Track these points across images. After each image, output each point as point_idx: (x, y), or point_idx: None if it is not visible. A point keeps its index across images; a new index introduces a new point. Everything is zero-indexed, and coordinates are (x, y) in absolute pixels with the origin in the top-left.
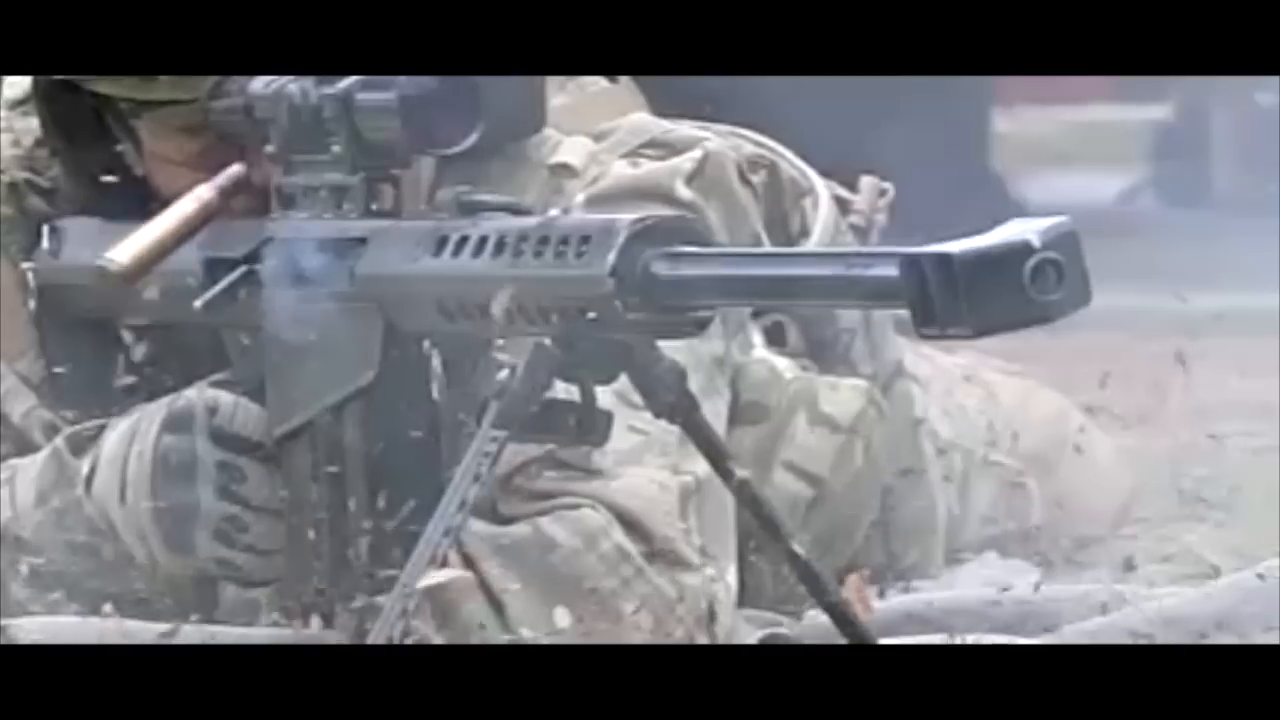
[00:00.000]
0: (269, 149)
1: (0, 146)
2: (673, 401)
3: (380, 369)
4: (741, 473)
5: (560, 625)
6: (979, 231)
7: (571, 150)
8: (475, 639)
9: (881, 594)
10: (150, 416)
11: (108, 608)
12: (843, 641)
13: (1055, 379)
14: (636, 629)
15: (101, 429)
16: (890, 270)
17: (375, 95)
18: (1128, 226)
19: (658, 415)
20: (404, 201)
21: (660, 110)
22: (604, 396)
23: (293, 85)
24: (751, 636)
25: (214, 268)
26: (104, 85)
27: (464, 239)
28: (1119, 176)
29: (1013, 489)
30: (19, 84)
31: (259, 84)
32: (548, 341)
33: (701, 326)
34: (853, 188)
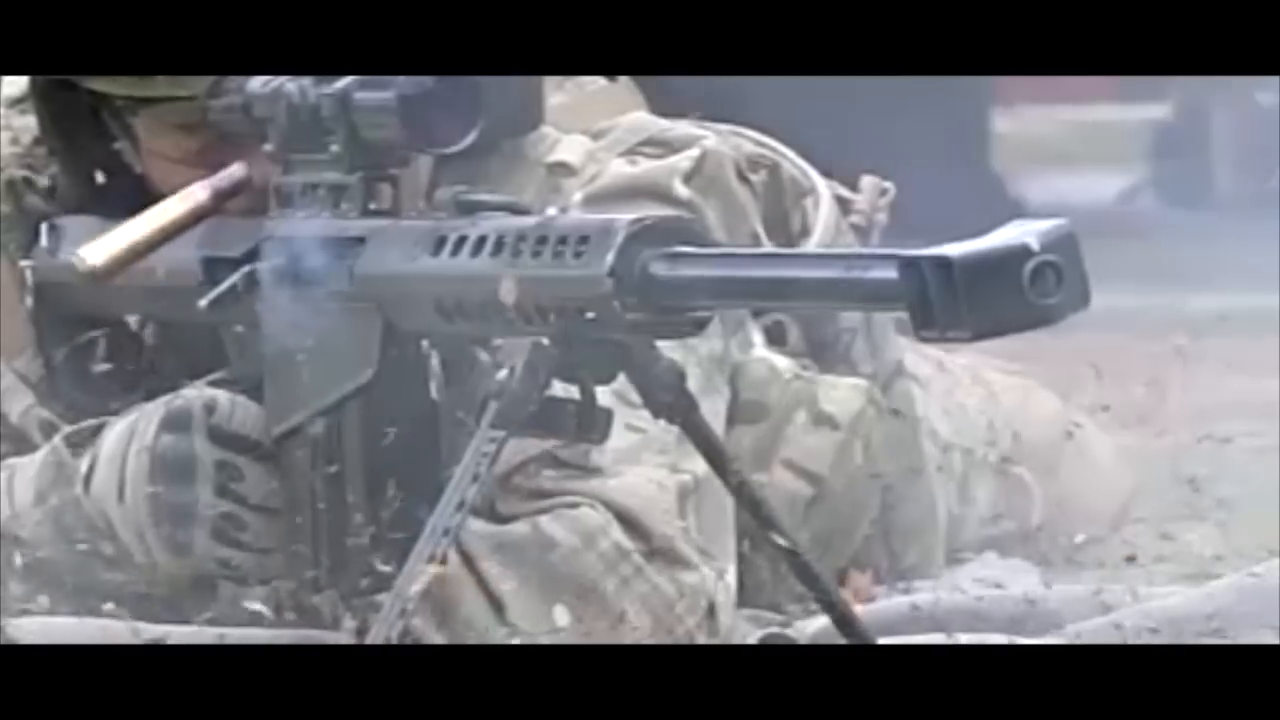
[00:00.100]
0: (267, 148)
1: None
2: (671, 401)
3: (379, 368)
4: (740, 473)
5: (559, 624)
6: (979, 232)
7: (569, 149)
8: (474, 637)
9: (877, 593)
10: (148, 415)
11: (108, 607)
12: (842, 641)
13: (1055, 379)
14: (635, 627)
15: (99, 428)
16: (889, 272)
17: (373, 95)
18: (1128, 226)
19: (656, 415)
20: (402, 200)
21: (659, 110)
22: (602, 395)
23: (291, 84)
24: (751, 636)
25: (212, 267)
26: (101, 83)
27: (462, 239)
28: (1119, 176)
29: (1013, 489)
30: (17, 82)
31: (257, 83)
32: (546, 341)
33: (700, 327)
34: (854, 187)
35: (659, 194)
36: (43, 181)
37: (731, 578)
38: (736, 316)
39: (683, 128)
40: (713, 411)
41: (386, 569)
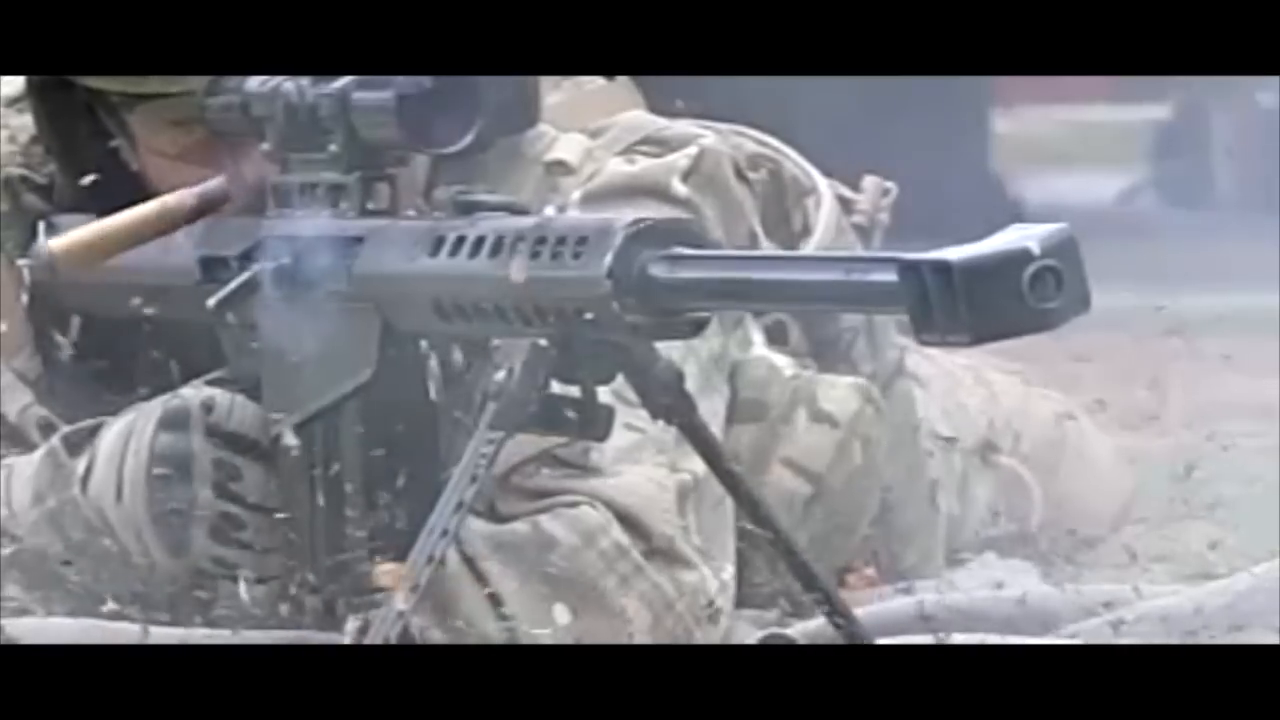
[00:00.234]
0: (265, 147)
1: None
2: (670, 403)
3: (377, 368)
4: (738, 473)
5: (559, 622)
6: (978, 231)
7: (567, 147)
8: (475, 636)
9: (884, 591)
10: (146, 415)
11: (107, 607)
12: (840, 641)
13: (1055, 379)
14: (635, 626)
15: (97, 428)
16: (889, 276)
17: (372, 94)
18: (1128, 226)
19: (655, 416)
20: (400, 199)
21: (659, 109)
22: (601, 394)
23: (289, 84)
24: (751, 636)
25: (210, 266)
26: (95, 79)
27: (461, 239)
28: (1119, 176)
29: (1013, 489)
30: (14, 81)
31: (255, 82)
32: (544, 342)
33: (699, 328)
34: (855, 187)
35: (657, 193)
36: (40, 180)
37: (729, 576)
38: (735, 316)
39: (680, 126)
40: (712, 411)
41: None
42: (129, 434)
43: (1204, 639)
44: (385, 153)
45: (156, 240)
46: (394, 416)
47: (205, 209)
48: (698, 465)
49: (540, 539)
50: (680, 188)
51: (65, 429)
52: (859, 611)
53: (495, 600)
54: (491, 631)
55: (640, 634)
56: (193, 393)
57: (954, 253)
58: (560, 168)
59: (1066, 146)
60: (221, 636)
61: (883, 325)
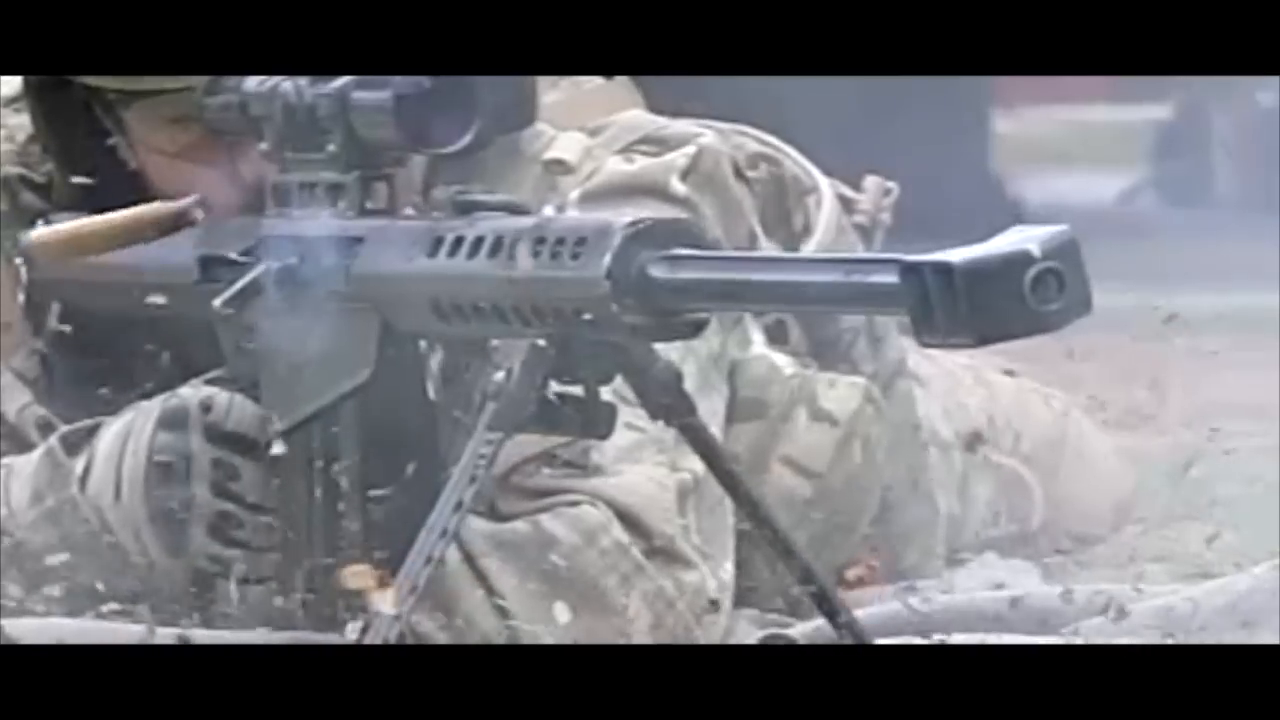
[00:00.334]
0: (263, 146)
1: None
2: (669, 403)
3: (376, 368)
4: (737, 474)
5: (560, 621)
6: (978, 231)
7: (566, 146)
8: (475, 635)
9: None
10: (145, 414)
11: (107, 607)
12: (839, 641)
13: (1055, 379)
14: (635, 625)
15: (95, 428)
16: (891, 277)
17: (370, 94)
18: (1128, 226)
19: (654, 417)
20: (398, 198)
21: (659, 108)
22: (603, 393)
23: (287, 84)
24: (752, 636)
25: (209, 265)
26: (92, 77)
27: (459, 239)
28: (1119, 176)
29: (1013, 489)
30: (11, 81)
31: (253, 82)
32: (543, 343)
33: (698, 329)
34: (856, 187)
35: (656, 192)
36: (38, 179)
37: (728, 575)
38: (734, 315)
39: (679, 125)
40: (711, 410)
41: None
42: (127, 433)
43: (1204, 639)
44: (384, 152)
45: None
46: (392, 416)
47: (180, 224)
48: (698, 464)
49: (541, 538)
50: (679, 187)
51: (63, 429)
52: (859, 613)
53: (496, 599)
54: (492, 630)
55: (641, 633)
56: (191, 392)
57: (956, 254)
58: (559, 166)
59: (1066, 146)
60: (221, 636)
61: (883, 325)
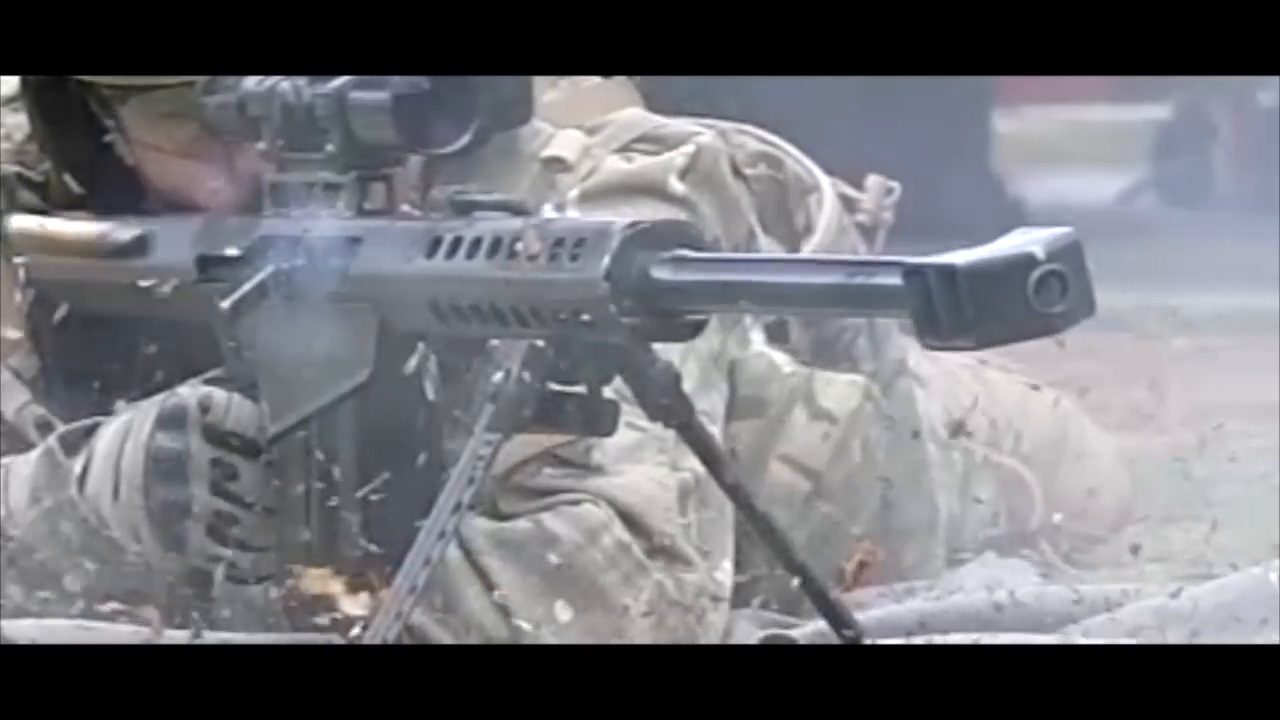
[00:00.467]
0: (261, 146)
1: None
2: (667, 404)
3: (375, 368)
4: (736, 475)
5: (561, 620)
6: (978, 231)
7: (564, 144)
8: (476, 634)
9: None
10: (143, 414)
11: (108, 607)
12: (837, 640)
13: (1055, 379)
14: (636, 624)
15: (94, 428)
16: (894, 279)
17: (369, 95)
18: (1128, 226)
19: (653, 418)
20: (396, 197)
21: (659, 108)
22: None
23: (285, 84)
24: (752, 636)
25: (208, 265)
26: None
27: (458, 240)
28: (1119, 176)
29: (1013, 489)
30: (9, 80)
31: (252, 81)
32: (542, 344)
33: (697, 330)
34: (859, 186)
35: (654, 191)
36: (36, 178)
37: (726, 575)
38: (734, 315)
39: (677, 124)
40: (711, 409)
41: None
42: (126, 433)
43: (1203, 638)
44: (382, 153)
45: (155, 239)
46: (391, 416)
47: (133, 251)
48: (699, 464)
49: (543, 536)
50: (678, 186)
51: (62, 428)
52: (860, 615)
53: (497, 597)
54: (493, 629)
55: (642, 632)
56: (190, 392)
57: (959, 257)
58: (557, 164)
59: (1066, 146)
60: (222, 636)
61: (885, 324)
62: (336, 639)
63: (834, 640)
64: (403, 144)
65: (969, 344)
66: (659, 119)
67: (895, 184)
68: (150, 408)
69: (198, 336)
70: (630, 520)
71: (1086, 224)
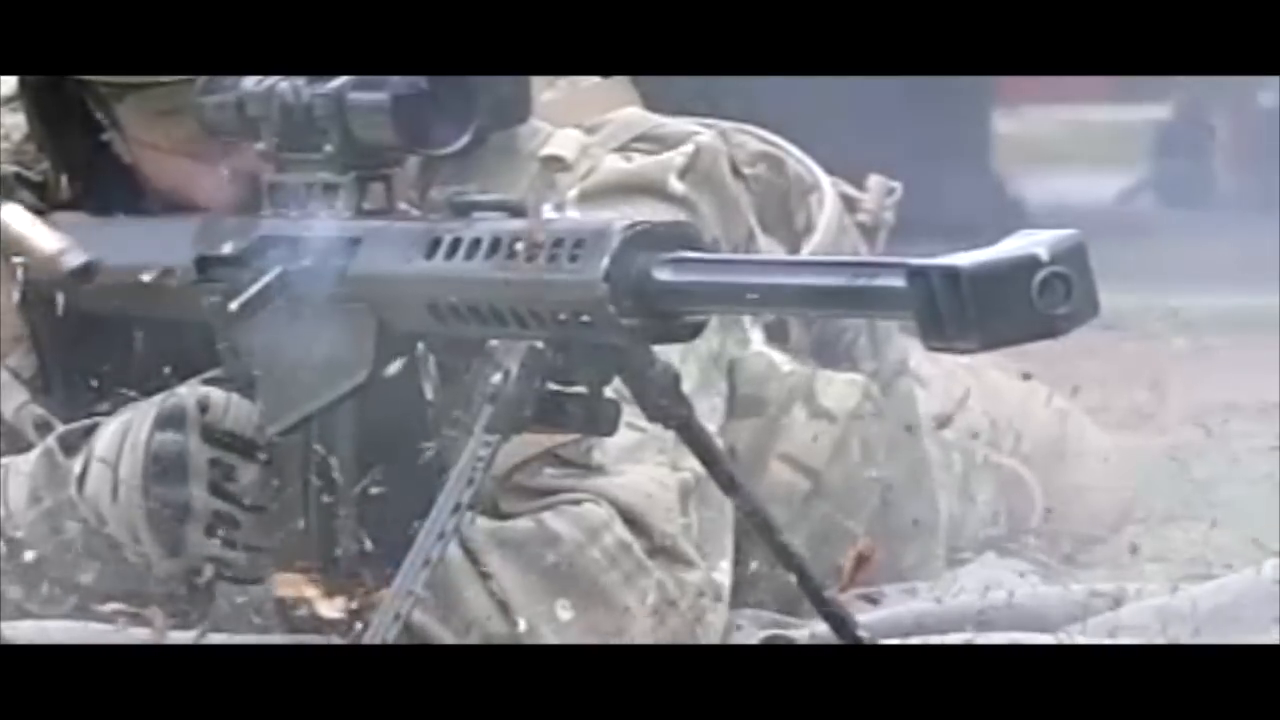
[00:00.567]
0: (260, 146)
1: None
2: (666, 405)
3: (373, 369)
4: (736, 476)
5: (562, 619)
6: (978, 231)
7: (562, 143)
8: (477, 632)
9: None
10: (142, 414)
11: (108, 608)
12: (836, 640)
13: (1055, 379)
14: (638, 623)
15: (93, 428)
16: (897, 281)
17: (367, 95)
18: (1128, 226)
19: (652, 419)
20: (395, 197)
21: (659, 108)
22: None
23: (284, 84)
24: (754, 637)
25: (206, 265)
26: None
27: (457, 240)
28: (1119, 176)
29: (1013, 489)
30: (7, 81)
31: (250, 82)
32: (541, 345)
33: (696, 331)
34: (860, 186)
35: (654, 190)
36: (34, 178)
37: (724, 575)
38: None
39: (676, 123)
40: (710, 409)
41: (381, 570)
42: (125, 433)
43: (1203, 638)
44: (381, 153)
45: (154, 238)
46: (389, 417)
47: (82, 278)
48: (699, 463)
49: (544, 535)
50: (677, 185)
51: (61, 429)
52: (861, 617)
53: (498, 596)
54: (494, 628)
55: (642, 632)
56: (188, 391)
57: (963, 258)
58: (556, 163)
59: (1066, 146)
60: (220, 636)
61: (885, 325)
62: (336, 639)
63: (833, 641)
64: (401, 144)
65: (973, 346)
66: (658, 118)
67: (897, 184)
68: (149, 408)
69: (196, 336)
70: (631, 520)
71: (1086, 224)
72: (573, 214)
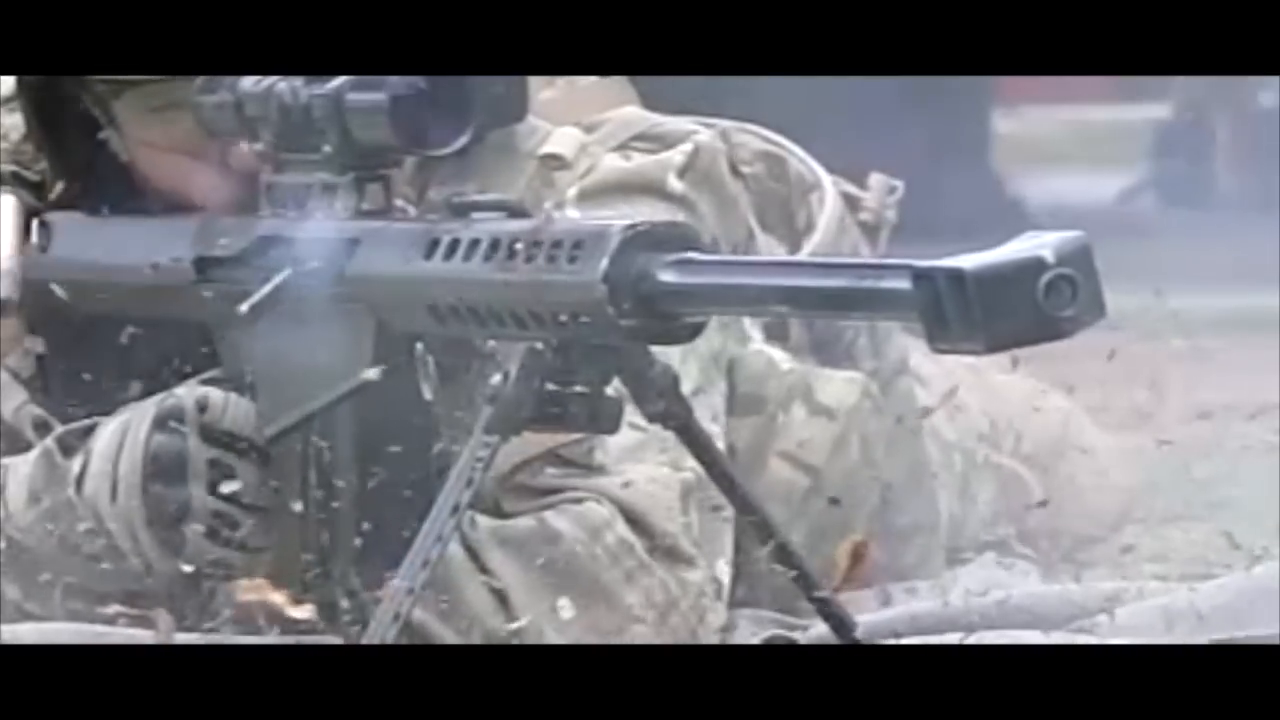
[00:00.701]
0: (258, 146)
1: None
2: (665, 406)
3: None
4: (735, 476)
5: (563, 617)
6: (978, 231)
7: (561, 141)
8: (478, 631)
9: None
10: (141, 414)
11: (109, 609)
12: (835, 640)
13: (1056, 379)
14: (639, 622)
15: (92, 428)
16: (903, 283)
17: (366, 96)
18: (1128, 226)
19: (651, 420)
20: (394, 199)
21: (657, 107)
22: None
23: (282, 84)
24: (755, 638)
25: (205, 265)
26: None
27: (456, 241)
28: (1119, 176)
29: (1013, 489)
30: (6, 80)
31: (249, 82)
32: (540, 346)
33: (696, 332)
34: (861, 185)
35: (653, 189)
36: (32, 177)
37: (723, 574)
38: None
39: (675, 122)
40: (710, 408)
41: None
42: (124, 433)
43: (1203, 638)
44: (379, 154)
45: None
46: (389, 417)
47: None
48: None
49: (545, 534)
50: (676, 184)
51: (60, 429)
52: (861, 618)
53: (499, 594)
54: (495, 626)
55: (643, 631)
56: (187, 392)
57: (968, 260)
58: (554, 161)
59: (1066, 146)
60: (220, 636)
61: (886, 324)
62: (335, 639)
63: (833, 642)
64: (400, 145)
65: (978, 348)
66: (657, 117)
67: (898, 183)
68: (148, 408)
69: (196, 337)
70: (633, 519)
71: (1086, 224)
72: (572, 213)
